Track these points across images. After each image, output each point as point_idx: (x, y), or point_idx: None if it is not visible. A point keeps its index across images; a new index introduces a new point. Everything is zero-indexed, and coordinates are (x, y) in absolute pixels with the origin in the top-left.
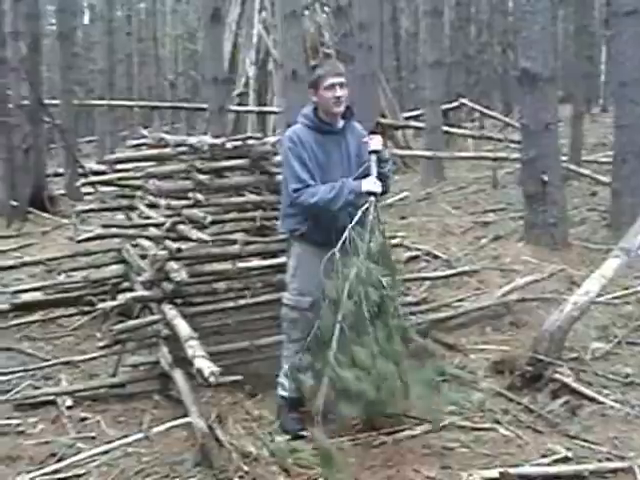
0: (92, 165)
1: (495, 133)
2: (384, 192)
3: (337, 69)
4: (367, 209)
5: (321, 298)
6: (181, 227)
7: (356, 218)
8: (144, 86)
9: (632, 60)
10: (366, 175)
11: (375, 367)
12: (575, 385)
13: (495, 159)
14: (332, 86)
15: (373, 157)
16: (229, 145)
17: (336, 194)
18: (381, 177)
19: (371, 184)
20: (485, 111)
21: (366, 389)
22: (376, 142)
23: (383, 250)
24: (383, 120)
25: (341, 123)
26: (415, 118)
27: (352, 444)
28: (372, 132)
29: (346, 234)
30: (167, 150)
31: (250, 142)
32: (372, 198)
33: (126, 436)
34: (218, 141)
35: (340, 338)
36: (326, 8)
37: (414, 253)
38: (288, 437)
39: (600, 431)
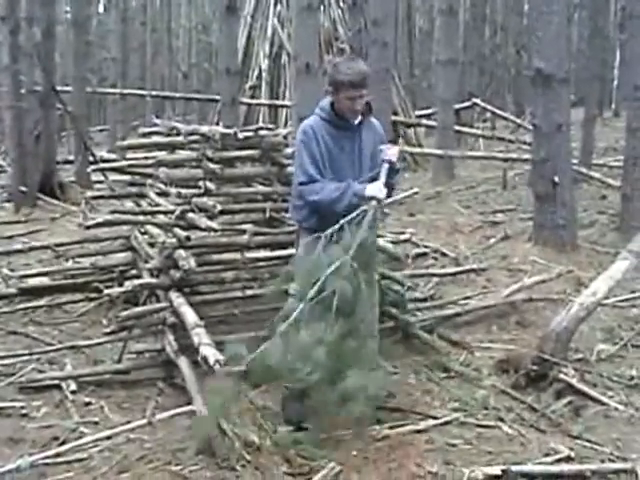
0: (103, 153)
1: (506, 134)
2: (387, 197)
3: (360, 78)
4: (366, 211)
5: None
6: (191, 215)
7: (353, 214)
8: (157, 76)
9: None
10: (373, 179)
11: (312, 356)
12: (579, 386)
13: (506, 160)
14: (352, 98)
15: (385, 166)
16: (241, 135)
17: (340, 195)
18: (388, 186)
19: (377, 190)
20: (497, 112)
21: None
22: (392, 153)
23: (370, 254)
24: (395, 118)
25: (358, 119)
26: (427, 117)
27: (355, 437)
28: (391, 141)
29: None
30: (179, 138)
31: (262, 133)
32: (374, 203)
33: (129, 422)
34: (230, 131)
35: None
36: (341, 3)
37: (422, 250)
38: (291, 427)
39: (603, 432)
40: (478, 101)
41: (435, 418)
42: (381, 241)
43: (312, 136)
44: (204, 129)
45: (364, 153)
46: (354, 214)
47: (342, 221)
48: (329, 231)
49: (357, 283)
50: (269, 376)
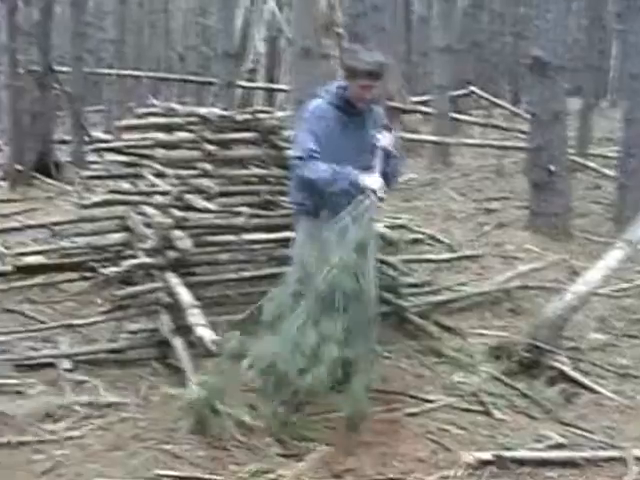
0: (98, 133)
1: (502, 122)
2: (387, 188)
3: (379, 69)
4: (363, 202)
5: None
6: (187, 196)
7: (350, 207)
8: (153, 58)
9: None
10: (368, 167)
11: (317, 350)
12: (572, 373)
13: (501, 147)
14: (366, 87)
15: (380, 153)
16: (239, 117)
17: (335, 178)
18: (386, 174)
19: (371, 180)
20: (493, 100)
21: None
22: (386, 139)
23: (369, 246)
24: (391, 103)
25: (363, 106)
26: (423, 103)
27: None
28: (385, 127)
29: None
30: (176, 120)
31: (259, 116)
32: (371, 195)
33: (123, 401)
34: (228, 113)
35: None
36: None
37: (417, 236)
38: (285, 409)
39: (595, 420)
40: (474, 89)
41: (428, 402)
42: (377, 226)
43: (319, 115)
44: (202, 111)
45: (367, 141)
46: (353, 205)
47: (342, 213)
48: (332, 222)
49: (357, 278)
50: (279, 381)
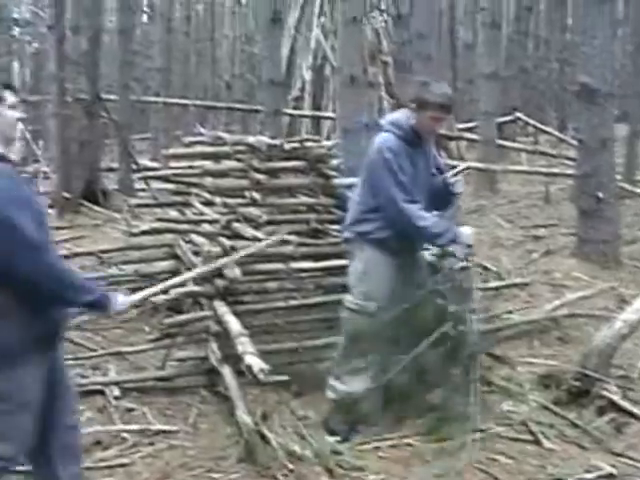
0: (145, 161)
1: (549, 148)
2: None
3: (451, 102)
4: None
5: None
6: (236, 225)
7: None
8: (200, 86)
9: None
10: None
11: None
12: (622, 403)
13: (548, 174)
14: (437, 120)
15: (457, 204)
16: (287, 146)
17: (441, 232)
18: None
19: (467, 235)
20: (540, 126)
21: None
22: (461, 185)
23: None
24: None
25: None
26: (469, 130)
27: (397, 444)
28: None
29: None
30: (225, 148)
31: (307, 144)
32: (467, 249)
33: (172, 429)
34: (276, 142)
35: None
36: (385, 16)
37: (465, 264)
38: (334, 439)
39: None
40: (521, 115)
41: (477, 431)
42: (425, 254)
43: (399, 153)
44: (250, 139)
45: (429, 172)
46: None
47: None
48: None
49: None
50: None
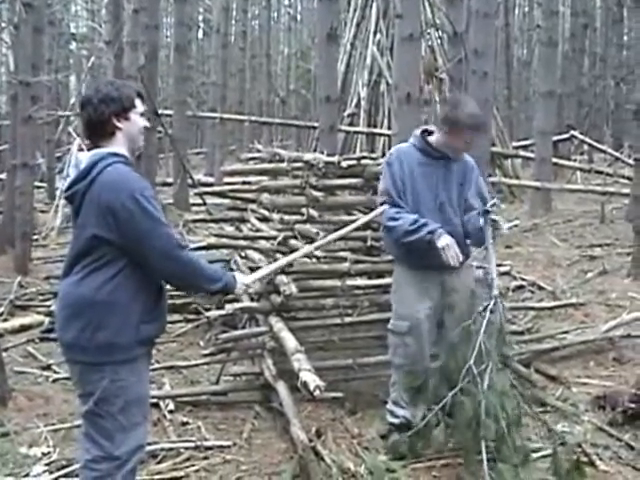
0: (200, 176)
1: (604, 167)
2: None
3: (481, 123)
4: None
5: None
6: (293, 242)
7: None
8: (255, 101)
9: None
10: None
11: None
12: None
13: (604, 193)
14: (466, 139)
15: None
16: (344, 163)
17: (415, 229)
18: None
19: (456, 259)
20: (595, 144)
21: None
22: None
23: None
24: (493, 149)
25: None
26: (525, 148)
27: (450, 463)
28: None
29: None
30: (282, 165)
31: (364, 162)
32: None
33: (226, 444)
34: (333, 159)
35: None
36: (441, 33)
37: (520, 283)
38: (388, 456)
39: None
40: (576, 133)
41: (531, 452)
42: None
43: (395, 159)
44: (308, 156)
45: (449, 187)
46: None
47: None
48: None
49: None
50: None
